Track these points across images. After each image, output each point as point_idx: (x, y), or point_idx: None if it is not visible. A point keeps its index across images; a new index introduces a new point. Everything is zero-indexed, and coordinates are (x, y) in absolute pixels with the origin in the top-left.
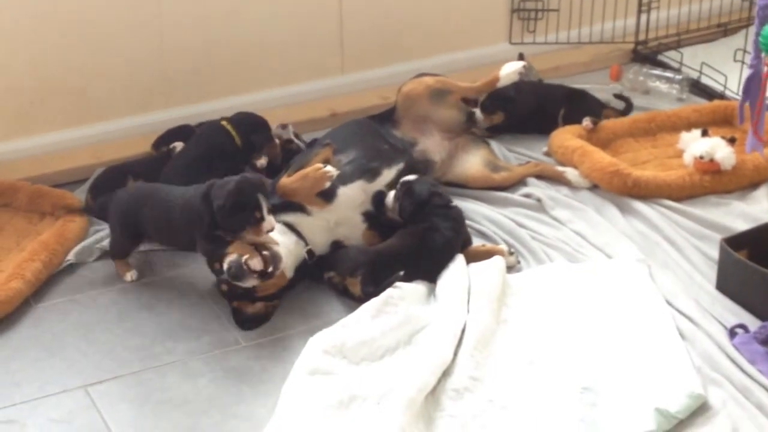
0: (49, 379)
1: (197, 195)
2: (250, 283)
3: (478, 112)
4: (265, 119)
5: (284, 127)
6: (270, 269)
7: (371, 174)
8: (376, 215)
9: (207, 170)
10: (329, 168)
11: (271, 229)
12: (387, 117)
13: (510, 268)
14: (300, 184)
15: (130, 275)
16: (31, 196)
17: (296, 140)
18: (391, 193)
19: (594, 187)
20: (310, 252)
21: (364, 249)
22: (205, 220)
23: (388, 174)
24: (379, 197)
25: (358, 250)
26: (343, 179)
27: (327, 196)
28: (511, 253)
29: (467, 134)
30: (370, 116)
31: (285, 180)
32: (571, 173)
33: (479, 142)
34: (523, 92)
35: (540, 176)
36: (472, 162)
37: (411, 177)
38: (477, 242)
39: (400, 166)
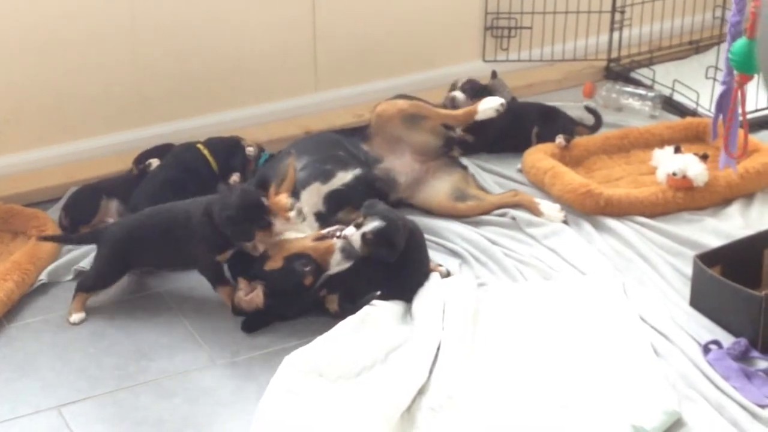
0: (22, 399)
1: (197, 212)
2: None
3: (459, 93)
4: (238, 140)
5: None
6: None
7: (325, 176)
8: (326, 215)
9: (179, 192)
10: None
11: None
12: (358, 131)
13: None
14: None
15: (78, 316)
16: (3, 216)
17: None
18: (356, 233)
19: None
20: None
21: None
22: (206, 236)
23: (343, 176)
24: (331, 197)
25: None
26: (302, 183)
27: (294, 197)
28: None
29: (443, 158)
30: (340, 130)
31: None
32: (545, 207)
33: (454, 168)
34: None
35: (516, 206)
36: (439, 189)
37: (377, 224)
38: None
39: (357, 171)
